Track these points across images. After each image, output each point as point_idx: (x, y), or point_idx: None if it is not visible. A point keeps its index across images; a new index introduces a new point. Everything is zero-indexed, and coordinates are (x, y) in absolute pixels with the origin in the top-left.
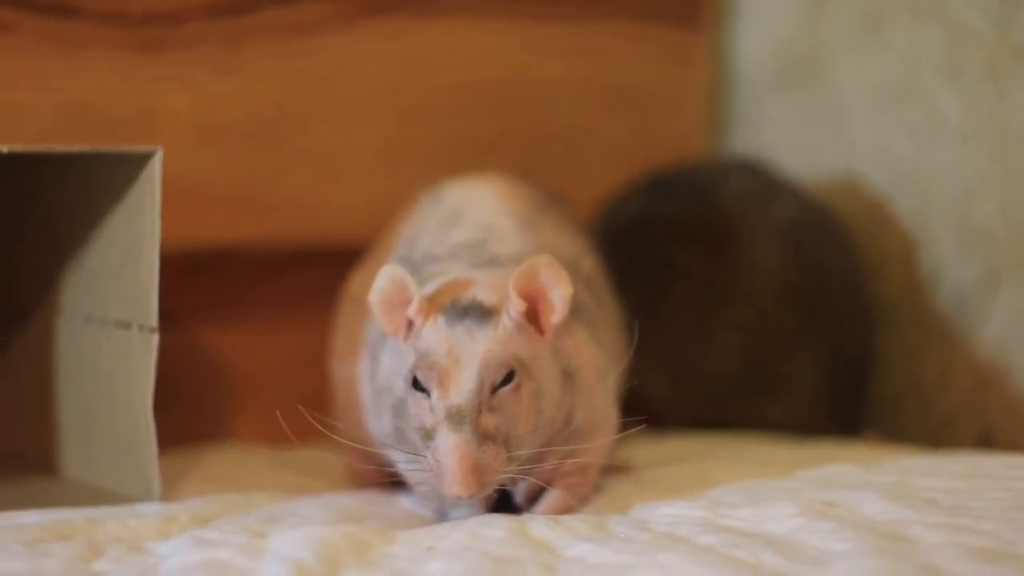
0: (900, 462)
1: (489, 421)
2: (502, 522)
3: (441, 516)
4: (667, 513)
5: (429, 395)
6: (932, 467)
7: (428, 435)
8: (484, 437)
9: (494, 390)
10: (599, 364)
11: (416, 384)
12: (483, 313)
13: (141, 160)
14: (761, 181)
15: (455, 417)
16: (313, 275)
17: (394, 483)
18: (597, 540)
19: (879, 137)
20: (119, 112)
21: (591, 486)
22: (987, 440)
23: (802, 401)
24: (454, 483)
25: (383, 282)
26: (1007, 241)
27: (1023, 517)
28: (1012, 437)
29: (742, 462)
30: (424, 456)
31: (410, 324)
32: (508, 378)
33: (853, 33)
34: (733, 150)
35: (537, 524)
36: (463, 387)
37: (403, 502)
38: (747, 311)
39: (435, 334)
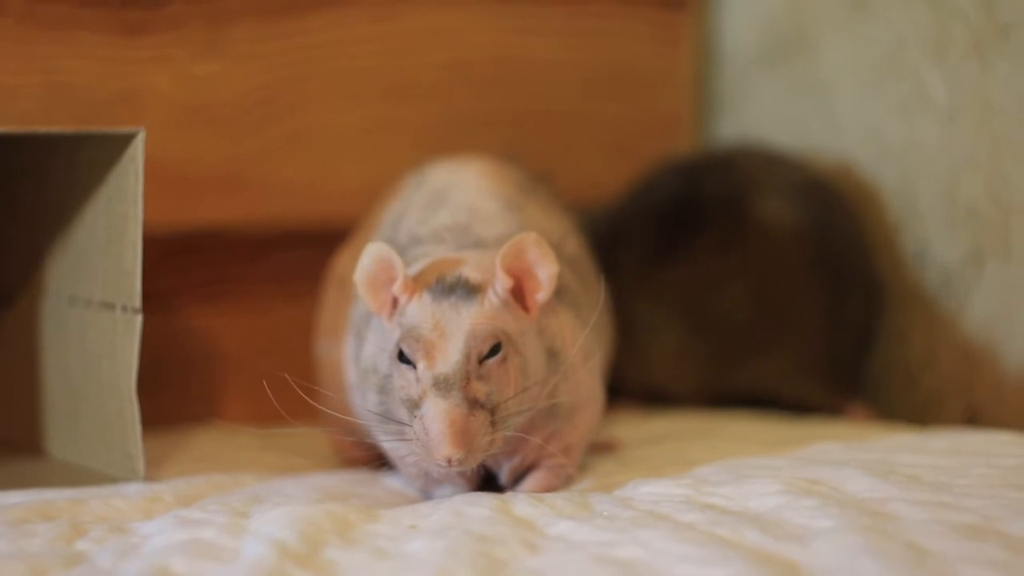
0: (884, 439)
1: (478, 389)
2: (485, 500)
3: (426, 495)
4: (650, 491)
5: (415, 367)
6: (916, 444)
7: (415, 405)
8: (473, 404)
9: (481, 361)
10: (583, 345)
11: (402, 357)
12: (469, 290)
13: (124, 141)
14: (773, 154)
15: (442, 385)
16: (300, 256)
17: (380, 463)
18: (580, 518)
19: (865, 115)
20: (103, 94)
21: (575, 466)
22: (973, 418)
23: (804, 352)
24: (443, 445)
25: (368, 260)
26: (993, 219)
27: (1006, 494)
28: (997, 415)
29: (726, 440)
30: (410, 427)
31: (395, 302)
32: (495, 350)
33: (839, 11)
34: (720, 129)
35: (520, 502)
36: (450, 357)
37: (389, 482)
38: (757, 257)
39: (420, 310)
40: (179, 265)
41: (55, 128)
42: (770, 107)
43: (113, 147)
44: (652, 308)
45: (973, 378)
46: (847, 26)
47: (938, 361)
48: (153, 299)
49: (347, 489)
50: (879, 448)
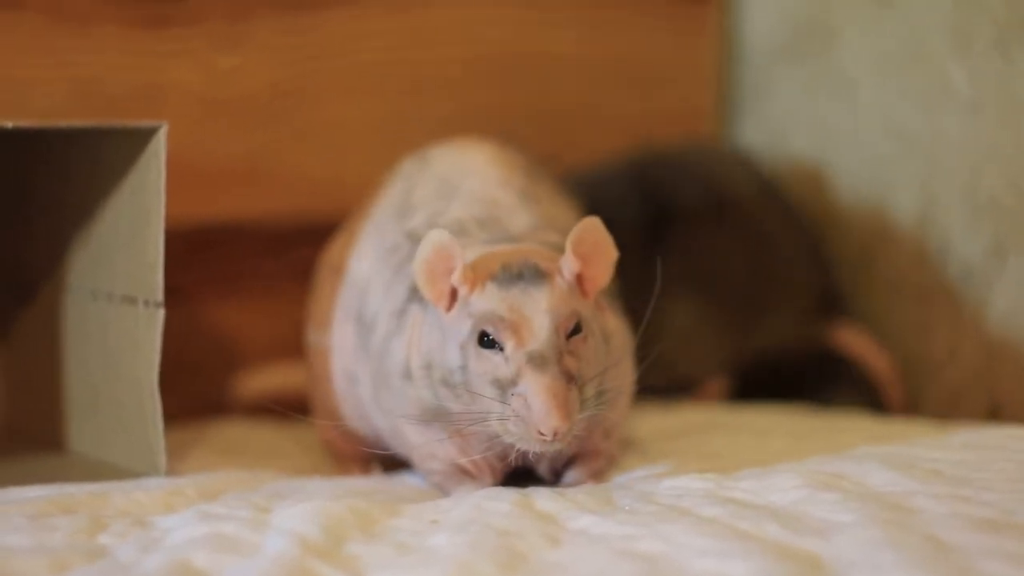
0: (905, 434)
1: (571, 363)
2: (507, 495)
3: (444, 492)
4: (672, 485)
5: (502, 349)
6: (936, 439)
7: (507, 384)
8: (568, 378)
9: (568, 338)
10: (624, 330)
11: (483, 342)
12: (538, 275)
13: (146, 135)
14: (699, 146)
15: (538, 360)
16: (320, 250)
17: (371, 457)
18: (601, 512)
19: (888, 109)
20: (126, 88)
21: (617, 447)
22: (995, 414)
23: (802, 295)
24: (550, 417)
25: (428, 249)
26: (1015, 212)
27: None
28: (1021, 411)
29: (747, 434)
30: (504, 406)
31: (453, 293)
32: (576, 328)
33: (862, 4)
34: (742, 123)
35: (542, 497)
36: (539, 334)
37: (410, 479)
38: (743, 231)
39: (489, 297)
40: (199, 259)
41: (78, 122)
42: (792, 101)
43: (135, 141)
44: (659, 302)
45: (995, 373)
46: (870, 19)
47: (960, 357)
48: (174, 294)
49: (369, 485)
50: (900, 443)
